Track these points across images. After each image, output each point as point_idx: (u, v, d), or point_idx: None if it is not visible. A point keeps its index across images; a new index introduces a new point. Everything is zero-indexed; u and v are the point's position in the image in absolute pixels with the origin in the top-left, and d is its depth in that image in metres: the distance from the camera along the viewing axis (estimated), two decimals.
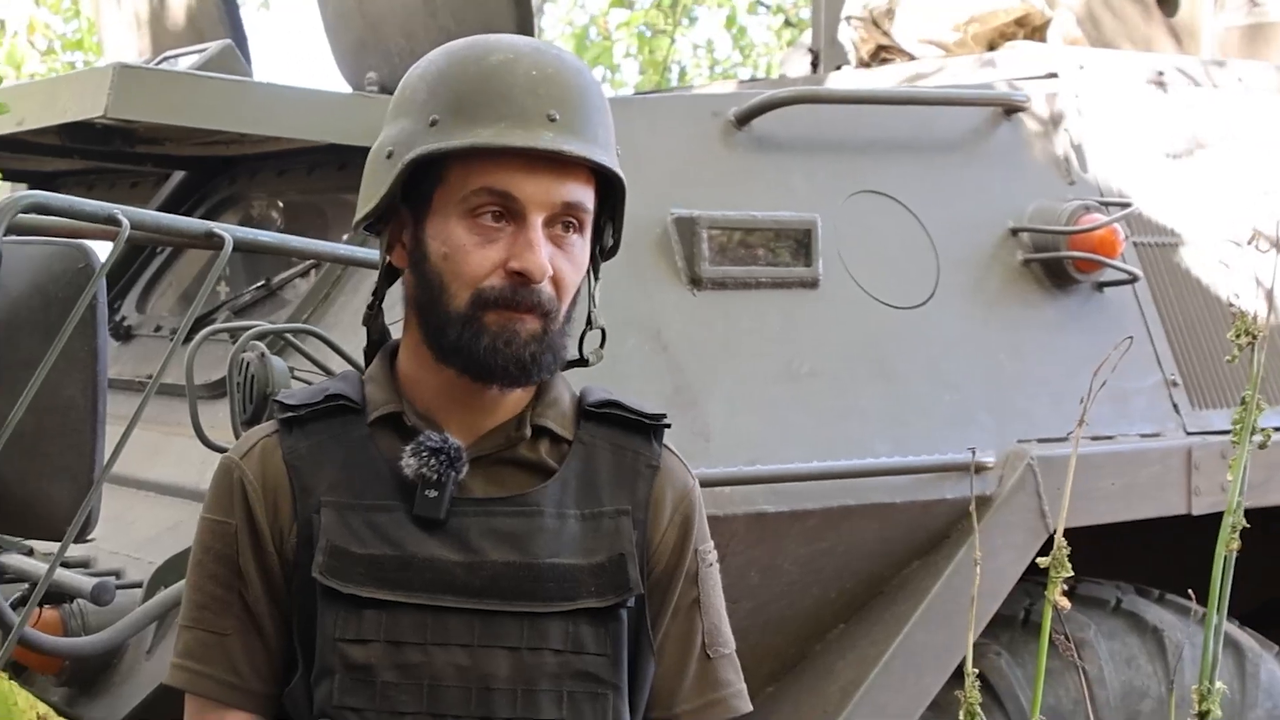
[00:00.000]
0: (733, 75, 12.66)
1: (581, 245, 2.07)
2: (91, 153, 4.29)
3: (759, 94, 3.88)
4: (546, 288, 2.02)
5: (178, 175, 4.55)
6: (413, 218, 2.08)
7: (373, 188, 2.09)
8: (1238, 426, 2.33)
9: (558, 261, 2.03)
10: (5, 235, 2.61)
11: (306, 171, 4.25)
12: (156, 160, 4.42)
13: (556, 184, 2.02)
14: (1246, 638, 4.24)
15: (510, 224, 2.02)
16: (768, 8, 12.43)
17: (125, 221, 2.73)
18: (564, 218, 2.04)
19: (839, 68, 5.52)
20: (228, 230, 2.87)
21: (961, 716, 2.23)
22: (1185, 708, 4.12)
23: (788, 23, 12.23)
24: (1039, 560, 2.30)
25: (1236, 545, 2.31)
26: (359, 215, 2.12)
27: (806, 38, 7.54)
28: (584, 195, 2.05)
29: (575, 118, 2.03)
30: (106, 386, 2.71)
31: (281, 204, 4.54)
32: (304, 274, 4.12)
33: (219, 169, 4.47)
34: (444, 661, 2.03)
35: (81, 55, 10.50)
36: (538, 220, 2.02)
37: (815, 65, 6.00)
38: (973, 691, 2.22)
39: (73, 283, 2.66)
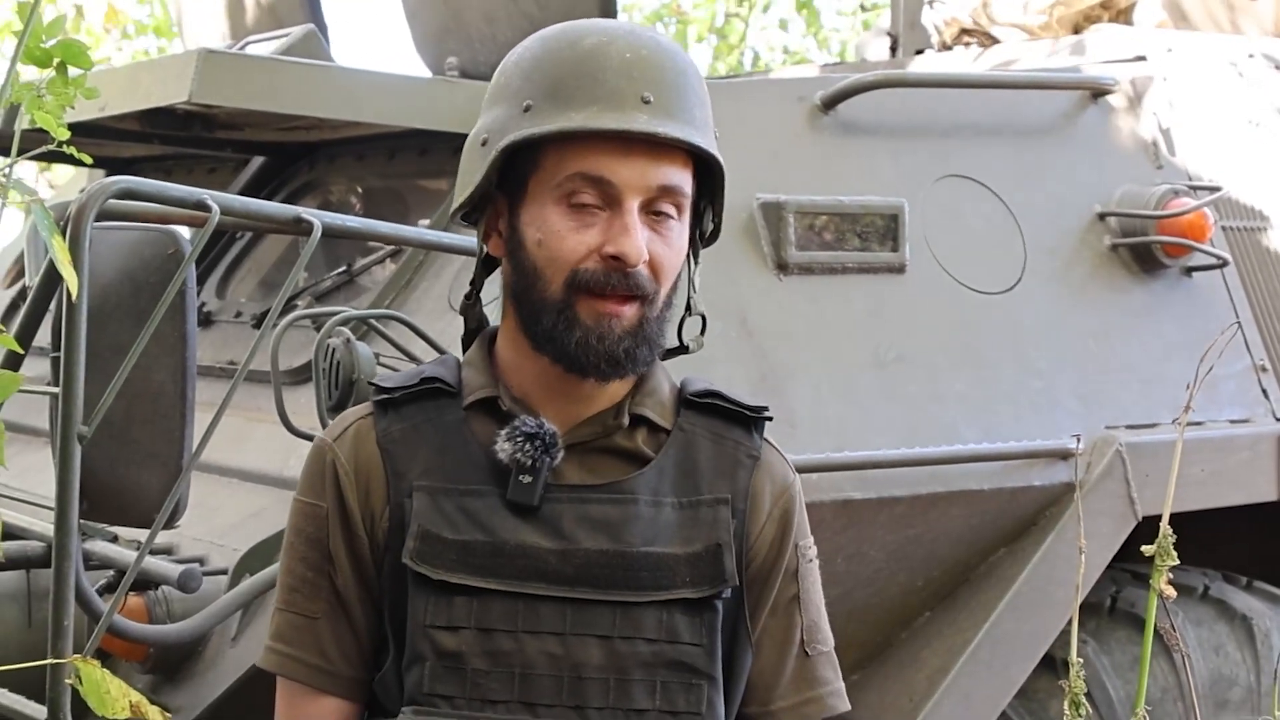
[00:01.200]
0: (806, 60, 12.59)
1: (680, 230, 2.03)
2: (171, 138, 4.29)
3: (844, 78, 3.84)
4: (643, 271, 1.99)
5: (256, 161, 4.54)
6: (509, 205, 2.06)
7: (468, 176, 2.07)
8: None
9: (655, 246, 1.99)
10: (96, 221, 2.60)
11: (387, 157, 4.24)
12: (236, 146, 4.42)
13: (652, 167, 1.98)
14: None
15: (606, 209, 1.99)
16: None
17: (215, 207, 2.72)
18: (661, 202, 2.00)
19: (920, 52, 5.47)
20: (316, 216, 2.85)
21: (1066, 706, 2.19)
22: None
23: (862, 7, 12.15)
24: (1143, 549, 2.26)
25: None
26: (455, 204, 2.10)
27: (881, 21, 7.48)
28: (681, 179, 2.01)
29: (671, 100, 1.99)
30: (196, 372, 2.71)
31: (361, 189, 4.53)
32: (381, 261, 4.12)
33: (298, 154, 4.46)
34: (535, 649, 2.00)
35: (155, 41, 10.53)
36: (634, 204, 1.98)
37: (894, 49, 5.94)
38: (1077, 680, 2.18)
39: (162, 268, 2.65)
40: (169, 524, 2.70)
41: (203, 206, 2.73)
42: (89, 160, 2.73)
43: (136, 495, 2.69)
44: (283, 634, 2.10)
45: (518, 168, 2.03)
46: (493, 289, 2.14)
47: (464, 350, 2.18)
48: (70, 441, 2.56)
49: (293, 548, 2.11)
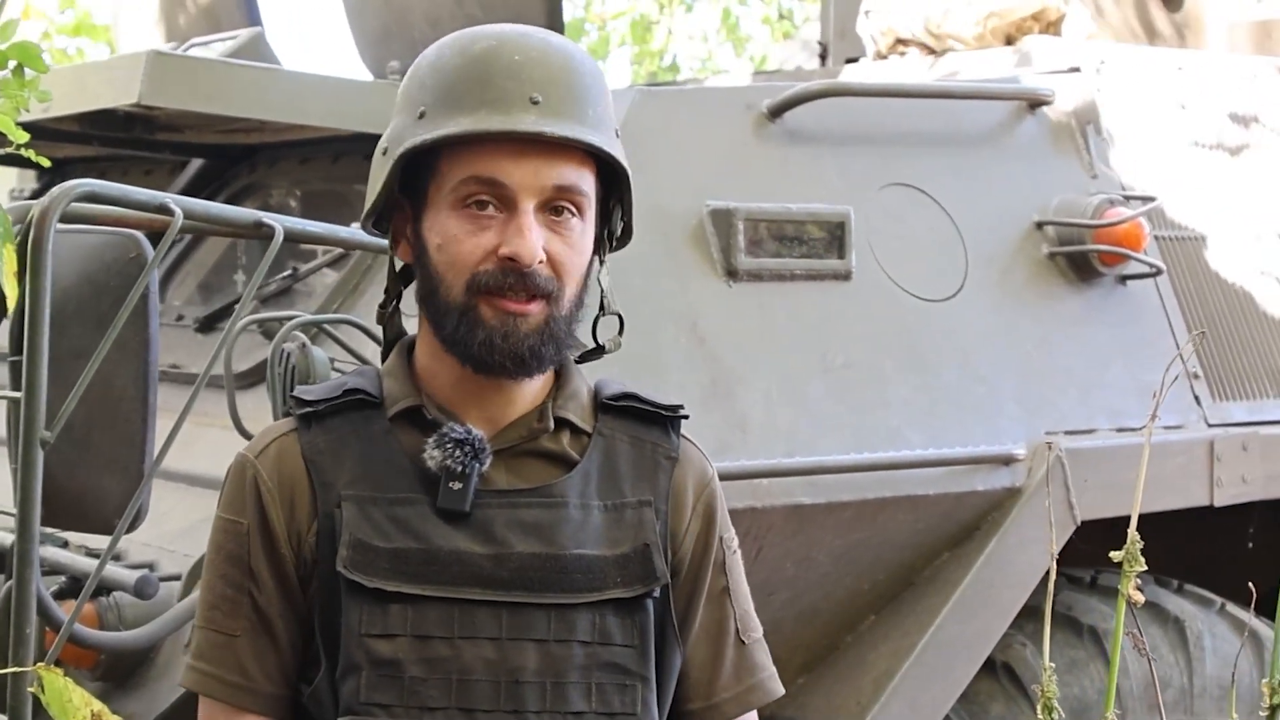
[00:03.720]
0: (723, 70, 12.66)
1: (582, 229, 2.04)
2: (111, 139, 4.26)
3: (790, 86, 3.87)
4: (541, 271, 2.00)
5: (195, 163, 4.52)
6: (412, 212, 2.07)
7: (373, 185, 2.09)
8: None
9: (554, 245, 2.01)
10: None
11: (331, 160, 4.23)
12: (176, 148, 4.39)
13: (545, 167, 2.00)
14: (1262, 626, 4.26)
15: (502, 211, 2.00)
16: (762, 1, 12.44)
17: (178, 211, 2.71)
18: (557, 201, 2.01)
19: (852, 60, 5.51)
20: (278, 220, 2.85)
21: (1039, 711, 2.21)
22: (1206, 697, 4.17)
23: (781, 15, 12.21)
24: (1112, 554, 2.29)
25: None
26: (364, 213, 2.12)
27: (804, 30, 7.54)
28: (577, 178, 2.02)
29: (562, 100, 2.01)
30: (157, 377, 2.70)
31: (299, 193, 4.51)
32: (318, 269, 4.12)
33: (239, 157, 4.44)
34: (472, 655, 2.00)
35: (76, 41, 10.43)
36: (529, 205, 1.99)
37: (824, 58, 5.99)
38: (1050, 685, 2.20)
39: (124, 272, 2.65)
40: (129, 530, 2.69)
41: (166, 210, 2.72)
42: (47, 163, 2.72)
43: (97, 501, 2.67)
44: (203, 652, 2.08)
45: (418, 175, 2.04)
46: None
47: (383, 359, 2.18)
48: (33, 447, 2.55)
49: (214, 565, 2.09)
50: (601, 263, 2.14)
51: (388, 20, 4.20)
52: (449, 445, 2.02)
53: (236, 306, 3.91)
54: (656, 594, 2.08)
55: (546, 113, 1.99)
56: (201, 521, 3.47)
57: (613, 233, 2.15)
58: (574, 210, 2.03)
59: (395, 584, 2.00)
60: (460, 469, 2.01)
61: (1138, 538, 2.30)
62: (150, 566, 3.34)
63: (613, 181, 2.09)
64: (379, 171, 2.06)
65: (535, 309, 2.01)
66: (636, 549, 2.07)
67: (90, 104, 3.70)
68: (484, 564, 2.02)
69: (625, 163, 2.07)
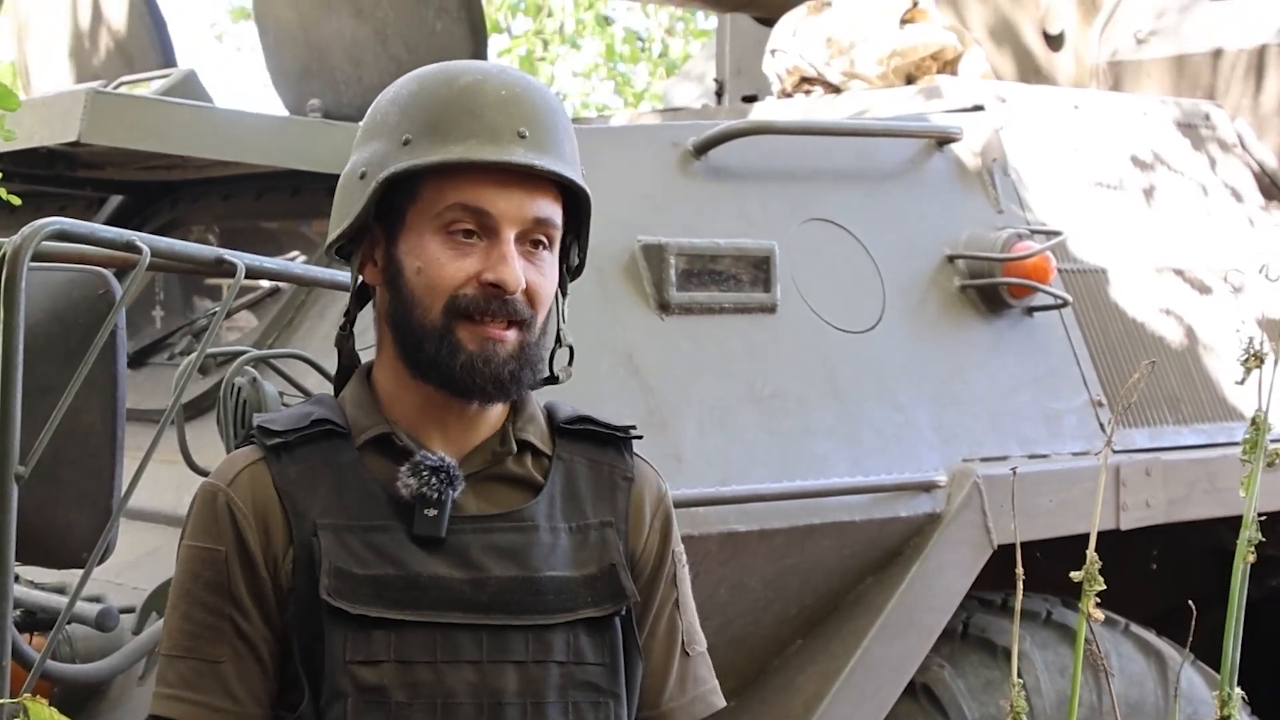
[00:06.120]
0: (609, 110, 12.74)
1: (551, 260, 2.13)
2: (32, 176, 4.25)
3: (711, 125, 3.97)
4: (520, 299, 2.08)
5: (114, 200, 4.52)
6: (385, 236, 2.13)
7: (346, 208, 2.14)
8: (1249, 445, 2.42)
9: (530, 275, 2.08)
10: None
11: (255, 197, 4.26)
12: (96, 185, 4.39)
13: (528, 200, 2.08)
14: (1165, 645, 4.40)
15: (483, 239, 2.07)
16: (642, 40, 12.53)
17: (146, 249, 2.74)
18: (534, 234, 2.09)
19: (752, 98, 5.62)
20: (238, 257, 2.89)
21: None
22: (1114, 714, 4.30)
23: (662, 54, 12.33)
24: (1072, 575, 2.40)
25: (1253, 558, 2.39)
26: (331, 236, 2.16)
27: (689, 67, 7.63)
28: (553, 211, 2.11)
29: (544, 135, 2.09)
30: (125, 413, 2.73)
31: (218, 229, 4.53)
32: (248, 305, 4.15)
33: (159, 194, 4.45)
34: (455, 679, 2.06)
35: None
36: (510, 234, 2.07)
37: (720, 96, 6.10)
38: (1019, 700, 2.31)
39: (92, 309, 2.67)
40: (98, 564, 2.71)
41: (133, 248, 2.75)
42: (17, 201, 2.74)
43: (65, 536, 2.69)
44: (186, 680, 2.09)
45: (396, 200, 2.10)
46: (362, 323, 2.20)
47: (337, 381, 2.24)
48: (7, 482, 2.56)
49: (189, 594, 2.11)
50: (564, 295, 2.21)
51: (307, 59, 4.24)
52: (424, 472, 2.07)
53: (191, 341, 3.97)
54: (623, 612, 2.15)
55: (533, 146, 2.07)
56: (147, 555, 3.50)
57: (570, 266, 2.22)
58: (546, 242, 2.11)
59: (378, 610, 2.04)
60: (436, 495, 2.06)
61: (1096, 558, 2.41)
62: (98, 599, 3.35)
63: (572, 215, 2.16)
64: (355, 195, 2.11)
65: (512, 335, 2.08)
66: (603, 569, 2.14)
67: (26, 142, 3.70)
68: (463, 589, 2.07)
69: (591, 198, 2.16)
